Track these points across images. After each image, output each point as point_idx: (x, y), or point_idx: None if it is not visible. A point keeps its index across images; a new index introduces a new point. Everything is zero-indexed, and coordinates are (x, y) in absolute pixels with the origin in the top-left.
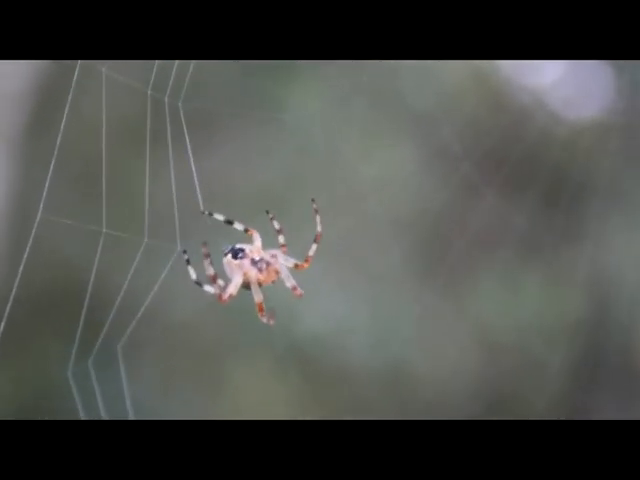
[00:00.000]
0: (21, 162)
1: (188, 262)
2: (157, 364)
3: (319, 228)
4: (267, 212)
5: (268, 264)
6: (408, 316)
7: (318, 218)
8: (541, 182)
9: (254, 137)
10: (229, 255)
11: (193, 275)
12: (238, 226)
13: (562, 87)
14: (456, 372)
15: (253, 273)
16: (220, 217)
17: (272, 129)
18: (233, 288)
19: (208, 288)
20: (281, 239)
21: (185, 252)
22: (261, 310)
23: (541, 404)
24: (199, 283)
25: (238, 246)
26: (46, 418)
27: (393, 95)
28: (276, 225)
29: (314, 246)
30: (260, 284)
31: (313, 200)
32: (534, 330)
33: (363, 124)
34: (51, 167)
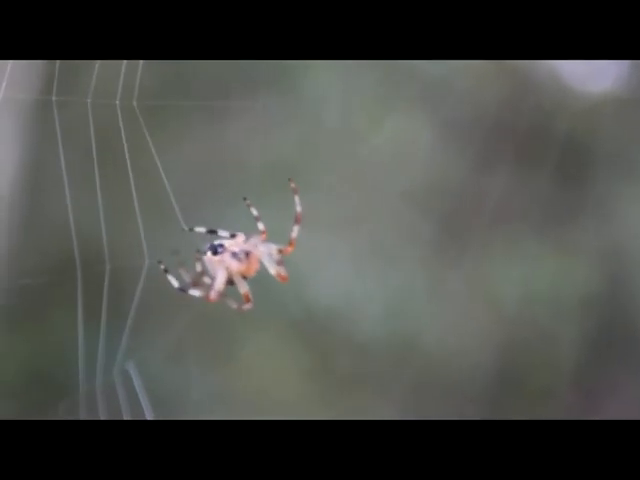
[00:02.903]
0: (32, 134)
1: (166, 271)
2: (167, 332)
3: (298, 208)
4: (245, 199)
5: (248, 254)
6: (420, 288)
7: (297, 198)
8: (555, 154)
9: (267, 108)
10: (209, 252)
11: (175, 283)
12: (223, 233)
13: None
14: (468, 344)
15: (234, 265)
16: (202, 229)
17: (285, 100)
18: (219, 285)
19: (194, 292)
20: (260, 226)
21: (160, 262)
22: (247, 300)
23: (554, 377)
24: (183, 289)
25: (217, 242)
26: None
27: (405, 65)
28: (254, 212)
29: (295, 227)
30: (245, 277)
31: (290, 180)
32: (547, 302)
33: (375, 94)
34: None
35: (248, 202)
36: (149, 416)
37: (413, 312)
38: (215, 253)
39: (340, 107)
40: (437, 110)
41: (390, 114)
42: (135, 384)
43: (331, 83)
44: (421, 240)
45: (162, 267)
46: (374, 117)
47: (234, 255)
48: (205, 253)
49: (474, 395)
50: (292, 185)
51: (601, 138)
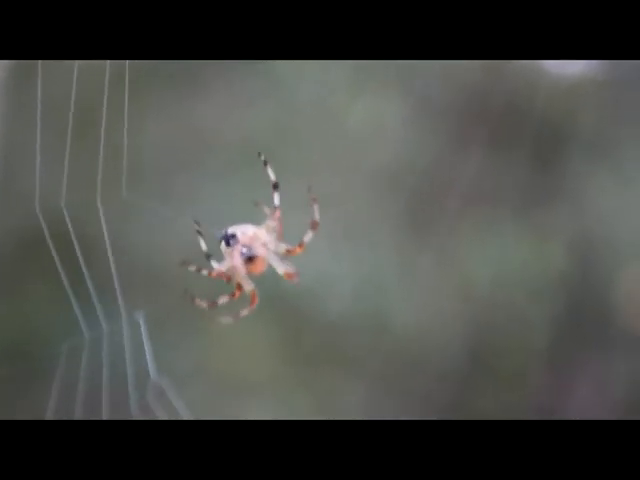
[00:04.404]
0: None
1: (199, 233)
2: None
3: (317, 217)
4: (260, 154)
5: (252, 258)
6: (393, 269)
7: (316, 207)
8: (529, 136)
9: (240, 89)
10: (223, 242)
11: (204, 247)
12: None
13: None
14: (440, 324)
15: (240, 265)
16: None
17: (258, 81)
18: (246, 283)
19: (214, 263)
20: (276, 200)
21: (197, 223)
22: (254, 300)
23: (526, 357)
24: (208, 256)
25: (230, 231)
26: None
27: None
28: (272, 177)
29: (310, 233)
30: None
31: (309, 190)
32: (520, 284)
33: (349, 75)
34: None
35: (264, 158)
36: (151, 367)
37: (385, 293)
38: (228, 244)
39: (313, 87)
40: (411, 91)
41: (363, 94)
42: (143, 333)
43: (304, 64)
44: (394, 221)
45: (196, 228)
46: (347, 98)
47: (242, 254)
48: (220, 241)
49: (445, 374)
50: (312, 196)
51: (576, 120)
